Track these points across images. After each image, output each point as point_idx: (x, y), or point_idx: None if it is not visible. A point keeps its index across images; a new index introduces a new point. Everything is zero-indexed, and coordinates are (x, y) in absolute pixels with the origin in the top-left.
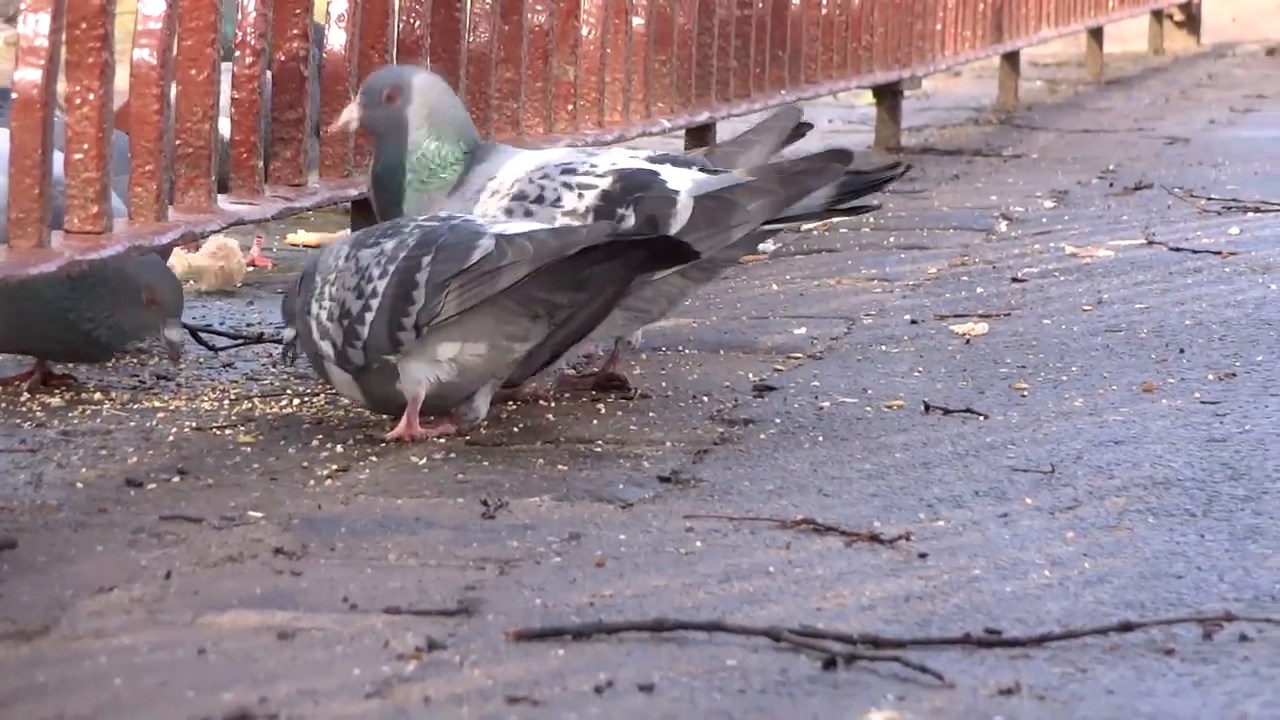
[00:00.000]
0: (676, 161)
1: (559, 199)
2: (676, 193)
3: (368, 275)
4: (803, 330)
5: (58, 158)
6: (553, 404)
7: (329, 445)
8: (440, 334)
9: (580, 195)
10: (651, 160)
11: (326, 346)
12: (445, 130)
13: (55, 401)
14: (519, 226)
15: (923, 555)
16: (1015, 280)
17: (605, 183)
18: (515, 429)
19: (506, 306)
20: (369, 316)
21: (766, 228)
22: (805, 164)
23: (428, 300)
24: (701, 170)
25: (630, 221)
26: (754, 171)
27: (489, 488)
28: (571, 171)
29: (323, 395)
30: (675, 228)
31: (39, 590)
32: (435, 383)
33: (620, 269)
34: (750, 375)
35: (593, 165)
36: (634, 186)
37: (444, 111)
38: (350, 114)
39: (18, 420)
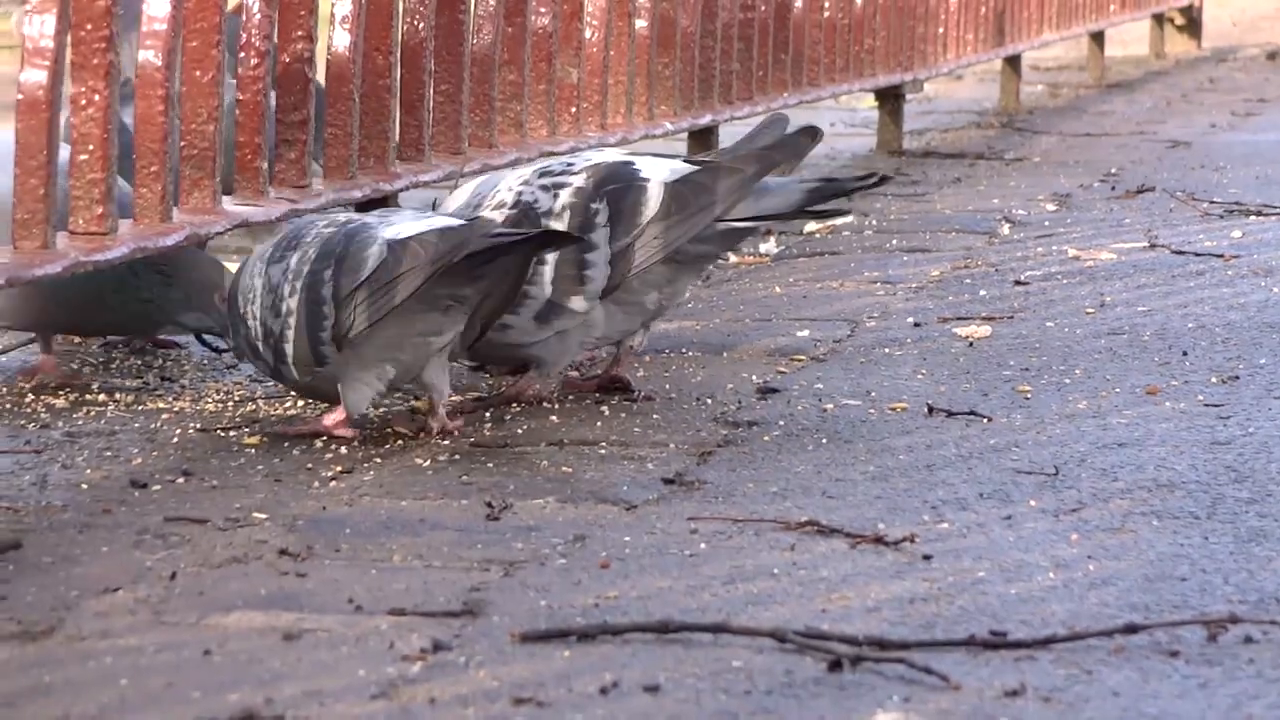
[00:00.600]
0: (659, 156)
1: (535, 201)
2: (648, 180)
3: (280, 294)
4: (806, 333)
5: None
6: (556, 406)
7: (333, 447)
8: (361, 344)
9: (555, 195)
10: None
11: (262, 365)
12: None
13: (60, 403)
14: (412, 227)
15: (927, 557)
16: (1018, 283)
17: (579, 179)
18: (519, 430)
19: (415, 309)
20: (290, 335)
21: (741, 224)
22: (773, 142)
23: (338, 315)
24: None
25: (604, 214)
26: (724, 156)
27: (493, 489)
28: (548, 174)
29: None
30: (648, 215)
31: (44, 591)
32: (374, 388)
33: (515, 259)
34: (754, 377)
35: (569, 164)
36: (606, 180)
37: None
38: None
39: (23, 421)
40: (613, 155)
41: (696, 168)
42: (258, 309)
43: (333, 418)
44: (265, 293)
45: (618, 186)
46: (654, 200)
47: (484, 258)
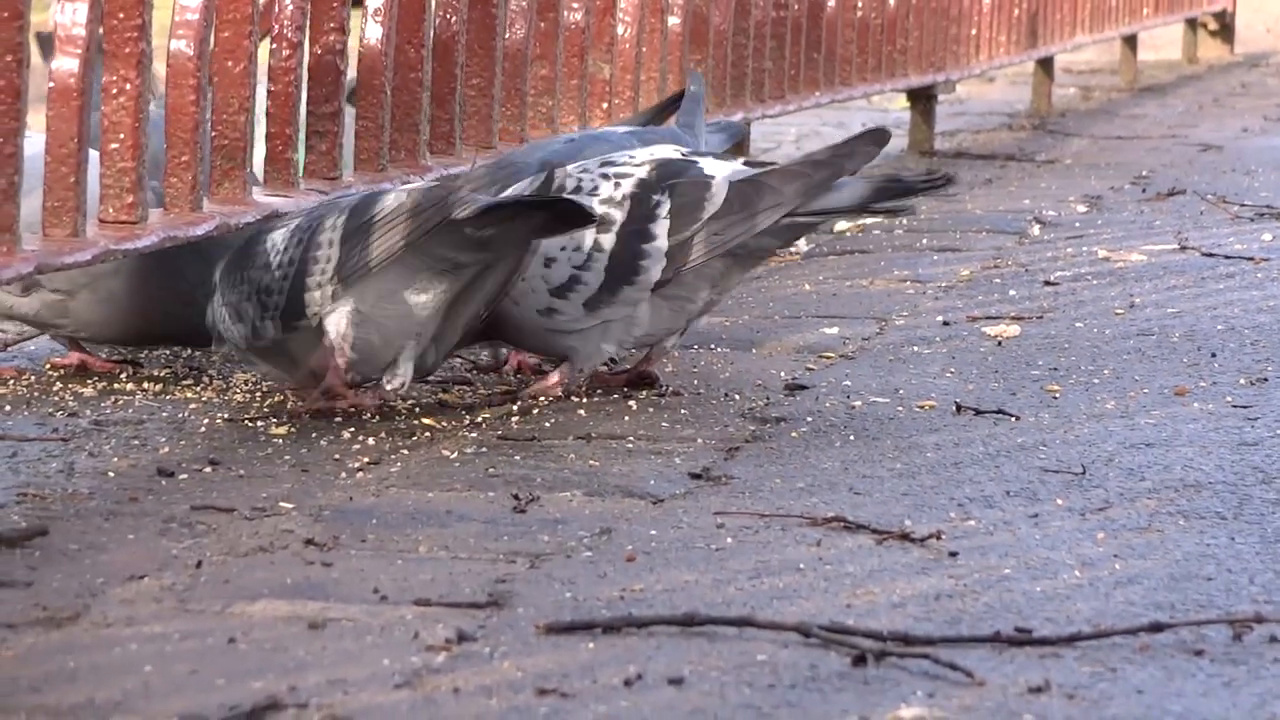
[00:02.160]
0: (718, 157)
1: (595, 189)
2: (711, 177)
3: (278, 249)
4: (835, 330)
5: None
6: (584, 400)
7: (360, 438)
8: (351, 291)
9: (617, 184)
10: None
11: (240, 329)
12: None
13: (88, 391)
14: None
15: (953, 554)
16: (1048, 283)
17: (642, 171)
18: (547, 424)
19: (412, 265)
20: (285, 285)
21: (804, 219)
22: (840, 147)
23: (341, 257)
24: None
25: (665, 207)
26: (791, 160)
27: (520, 482)
28: (610, 163)
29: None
30: (710, 210)
31: (70, 578)
32: (354, 340)
33: (521, 229)
34: (782, 374)
35: (630, 156)
36: (669, 174)
37: None
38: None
39: (50, 409)
40: (671, 151)
41: (752, 168)
42: (252, 270)
43: (345, 392)
44: (261, 255)
45: (681, 180)
46: (718, 196)
47: (499, 215)
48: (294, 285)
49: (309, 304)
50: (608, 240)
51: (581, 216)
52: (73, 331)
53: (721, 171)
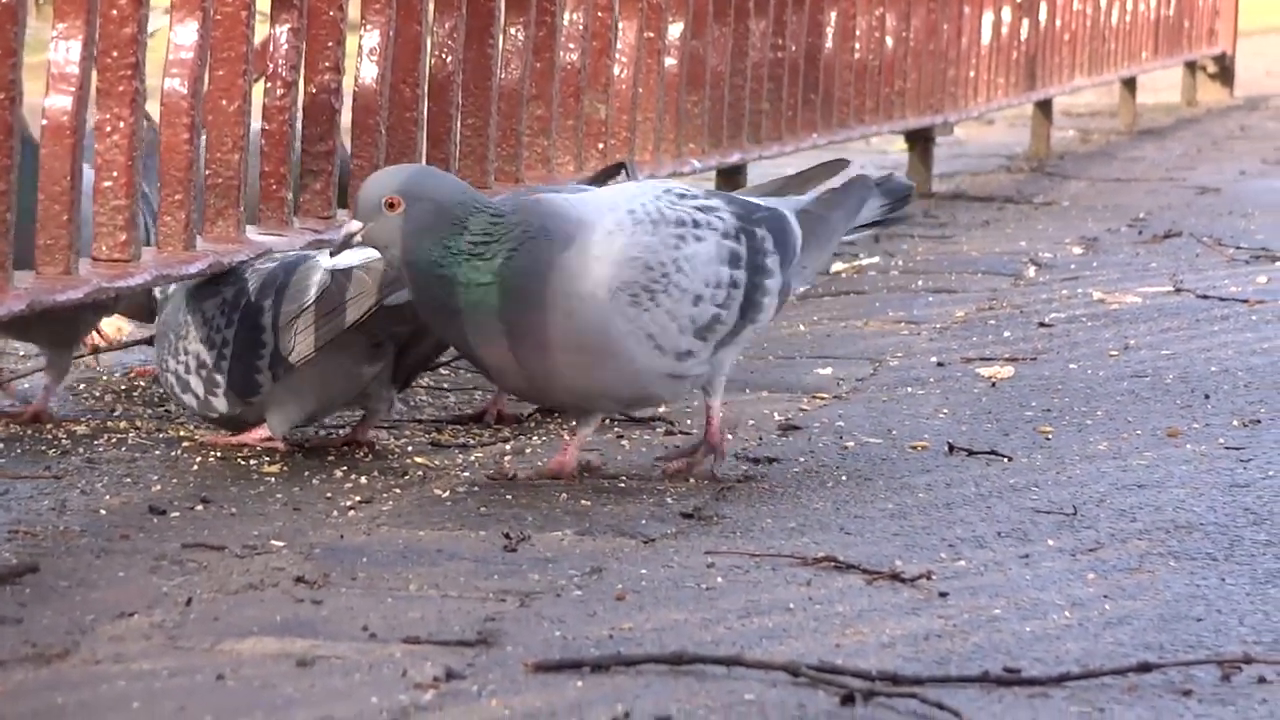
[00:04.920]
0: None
1: (703, 223)
2: (786, 212)
3: (215, 325)
4: (829, 371)
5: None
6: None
7: (352, 476)
8: (296, 373)
9: (718, 216)
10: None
11: (190, 399)
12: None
13: (81, 429)
14: (351, 258)
15: (943, 594)
16: (1042, 325)
17: (722, 205)
18: (538, 463)
19: (350, 340)
20: (225, 365)
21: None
22: (849, 183)
23: (278, 343)
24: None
25: (770, 242)
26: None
27: (511, 521)
28: (679, 195)
29: (347, 427)
30: (798, 244)
31: (60, 614)
32: (300, 414)
33: None
34: (776, 414)
35: (668, 188)
36: (745, 209)
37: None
38: (350, 228)
39: (43, 447)
40: (674, 184)
41: (811, 198)
42: (190, 343)
43: (257, 433)
44: (200, 325)
45: (767, 214)
46: (798, 229)
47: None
48: (234, 368)
49: (253, 387)
50: None
51: None
52: None
53: (783, 205)
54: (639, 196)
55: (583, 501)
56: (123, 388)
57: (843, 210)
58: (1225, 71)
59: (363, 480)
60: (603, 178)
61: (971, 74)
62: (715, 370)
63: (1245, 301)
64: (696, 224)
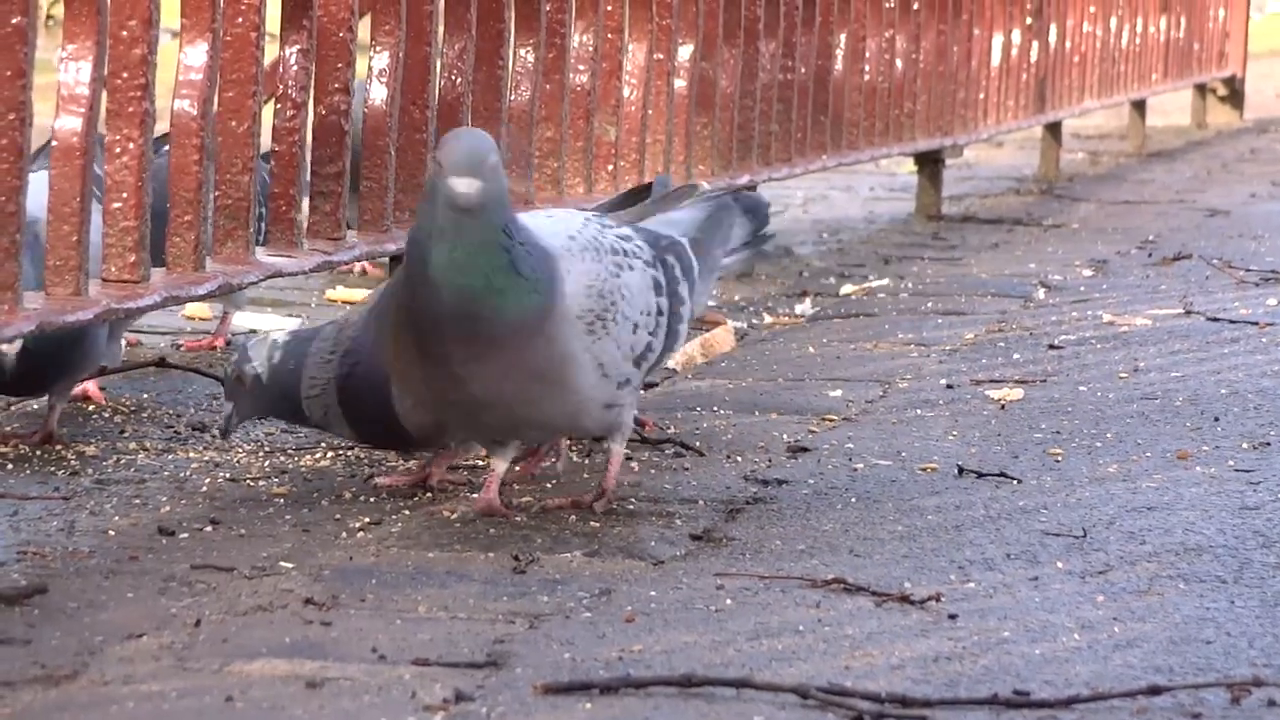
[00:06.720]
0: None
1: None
2: (683, 240)
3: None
4: (838, 393)
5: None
6: (586, 462)
7: (362, 498)
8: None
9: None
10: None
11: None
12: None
13: (90, 450)
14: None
15: (953, 616)
16: (1052, 347)
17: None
18: (548, 485)
19: None
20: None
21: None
22: (715, 210)
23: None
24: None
25: (679, 269)
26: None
27: (521, 543)
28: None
29: (356, 449)
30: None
31: (68, 635)
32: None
33: None
34: (785, 436)
35: (607, 224)
36: (661, 242)
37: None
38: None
39: (52, 468)
40: (591, 213)
41: (691, 225)
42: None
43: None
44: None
45: (670, 243)
46: (694, 258)
47: None
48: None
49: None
50: None
51: None
52: None
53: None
54: (571, 224)
55: (591, 524)
56: (132, 409)
57: (719, 235)
58: (1235, 94)
59: (371, 501)
60: (631, 198)
61: (981, 96)
62: (627, 408)
63: (1255, 324)
64: (626, 253)
